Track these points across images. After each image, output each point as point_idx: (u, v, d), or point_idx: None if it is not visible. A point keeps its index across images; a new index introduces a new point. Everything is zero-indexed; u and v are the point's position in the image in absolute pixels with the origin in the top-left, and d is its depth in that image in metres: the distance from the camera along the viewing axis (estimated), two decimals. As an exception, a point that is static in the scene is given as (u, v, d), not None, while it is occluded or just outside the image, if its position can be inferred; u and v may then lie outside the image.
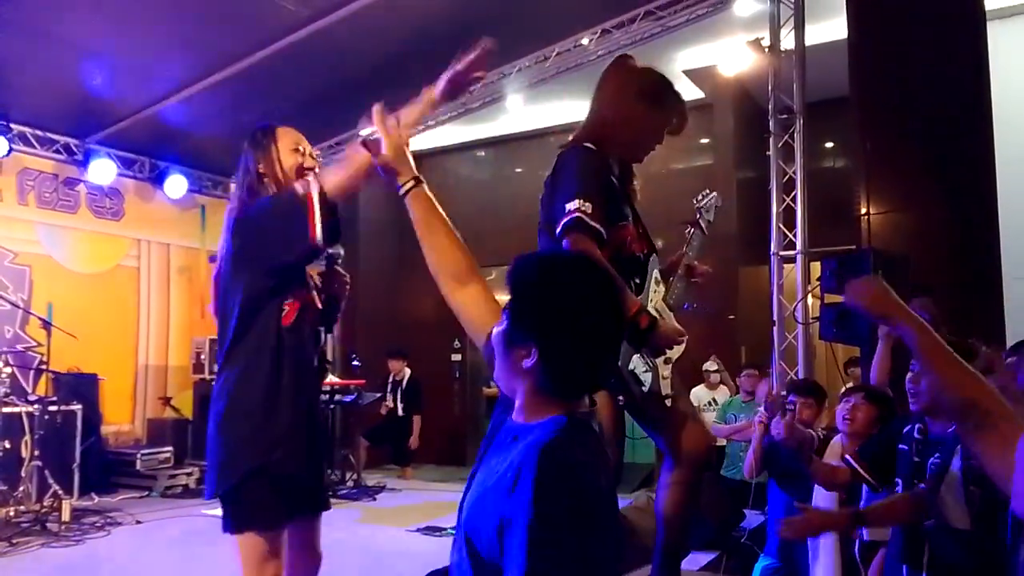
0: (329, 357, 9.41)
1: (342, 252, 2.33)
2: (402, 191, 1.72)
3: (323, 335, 2.35)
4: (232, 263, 2.18)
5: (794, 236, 5.87)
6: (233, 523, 2.13)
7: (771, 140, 5.94)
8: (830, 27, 6.63)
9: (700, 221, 2.75)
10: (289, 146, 2.30)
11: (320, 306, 2.29)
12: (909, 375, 2.43)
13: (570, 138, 2.52)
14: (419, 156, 9.38)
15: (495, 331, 1.31)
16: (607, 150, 2.41)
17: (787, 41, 5.90)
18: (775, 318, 6.07)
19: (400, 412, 8.56)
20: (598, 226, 2.24)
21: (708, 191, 2.86)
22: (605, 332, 1.24)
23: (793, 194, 5.85)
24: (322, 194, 2.04)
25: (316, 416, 2.28)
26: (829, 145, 8.64)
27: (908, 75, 5.55)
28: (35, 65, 6.14)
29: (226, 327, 2.18)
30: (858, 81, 5.82)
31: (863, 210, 5.71)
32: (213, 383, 2.26)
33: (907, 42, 5.56)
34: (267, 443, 2.12)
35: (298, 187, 2.09)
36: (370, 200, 10.54)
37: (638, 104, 2.41)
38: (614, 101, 2.45)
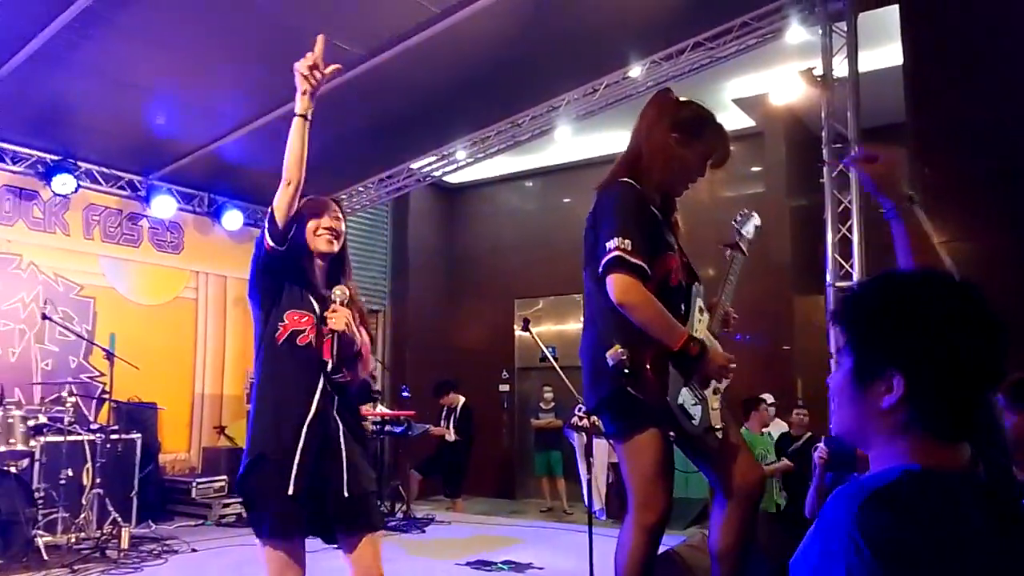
0: (378, 387, 9.50)
1: (348, 292, 2.44)
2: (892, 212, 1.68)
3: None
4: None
5: (851, 266, 5.73)
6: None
7: (825, 169, 5.83)
8: (884, 53, 6.53)
9: (740, 243, 2.72)
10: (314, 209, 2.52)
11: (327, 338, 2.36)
12: None
13: (608, 172, 2.52)
14: (468, 187, 9.51)
15: (832, 377, 1.13)
16: (645, 183, 2.40)
17: (840, 69, 5.81)
18: (832, 350, 5.90)
19: (452, 437, 8.54)
20: (639, 262, 2.23)
21: (746, 210, 2.83)
22: (977, 349, 1.03)
23: (849, 223, 5.72)
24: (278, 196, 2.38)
25: (339, 436, 2.36)
26: (885, 172, 8.45)
27: (966, 99, 5.42)
28: (101, 106, 6.42)
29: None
30: (914, 107, 5.71)
31: (923, 238, 5.54)
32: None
33: (965, 66, 5.44)
34: (245, 459, 2.33)
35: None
36: (420, 233, 10.69)
37: (672, 136, 2.41)
38: (649, 134, 2.45)
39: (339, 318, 2.35)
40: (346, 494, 2.31)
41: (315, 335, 2.36)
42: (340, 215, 2.55)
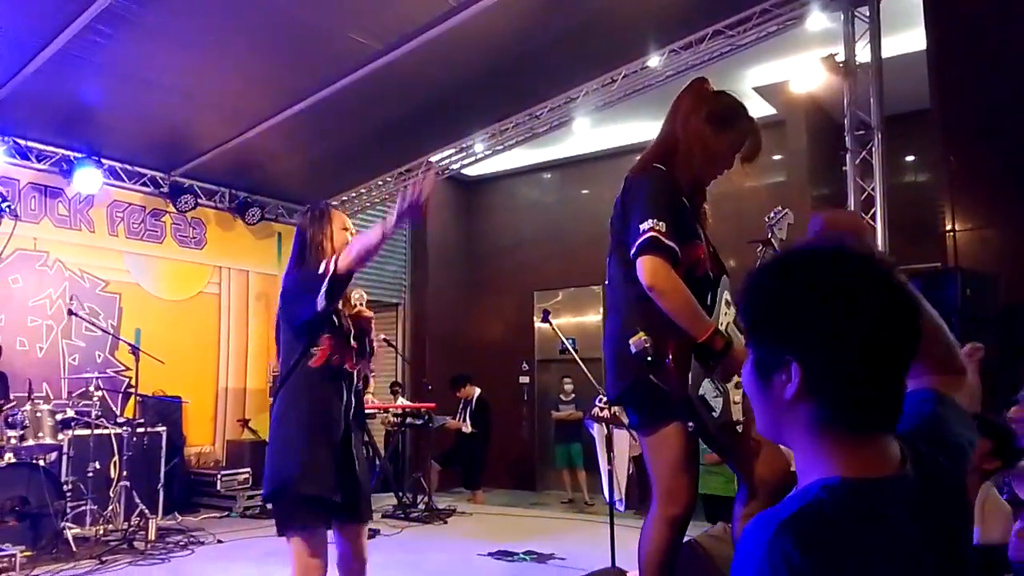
0: (399, 380, 9.55)
1: (365, 296, 2.80)
2: None
3: (362, 369, 2.76)
4: (280, 319, 2.73)
5: (874, 255, 5.67)
6: (277, 527, 2.58)
7: (848, 157, 5.76)
8: (908, 38, 6.43)
9: (772, 240, 2.71)
10: (340, 226, 2.75)
11: (354, 344, 2.69)
12: None
13: (638, 158, 2.52)
14: (486, 180, 9.51)
15: (742, 372, 1.03)
16: (679, 171, 2.40)
17: (862, 55, 5.73)
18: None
19: (469, 429, 8.61)
20: (672, 244, 2.23)
21: (780, 208, 2.82)
22: (875, 323, 0.90)
23: (872, 211, 5.65)
24: (336, 272, 2.51)
25: (352, 440, 2.67)
26: (910, 159, 8.35)
27: (993, 85, 5.33)
28: (123, 104, 6.48)
29: (280, 366, 2.73)
30: (939, 93, 5.62)
31: (948, 227, 5.48)
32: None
33: (991, 50, 5.35)
34: (290, 468, 2.55)
35: (320, 267, 2.56)
36: (439, 226, 10.71)
37: (706, 126, 2.40)
38: (684, 122, 2.44)
39: (367, 313, 2.71)
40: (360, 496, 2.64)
41: (329, 352, 2.62)
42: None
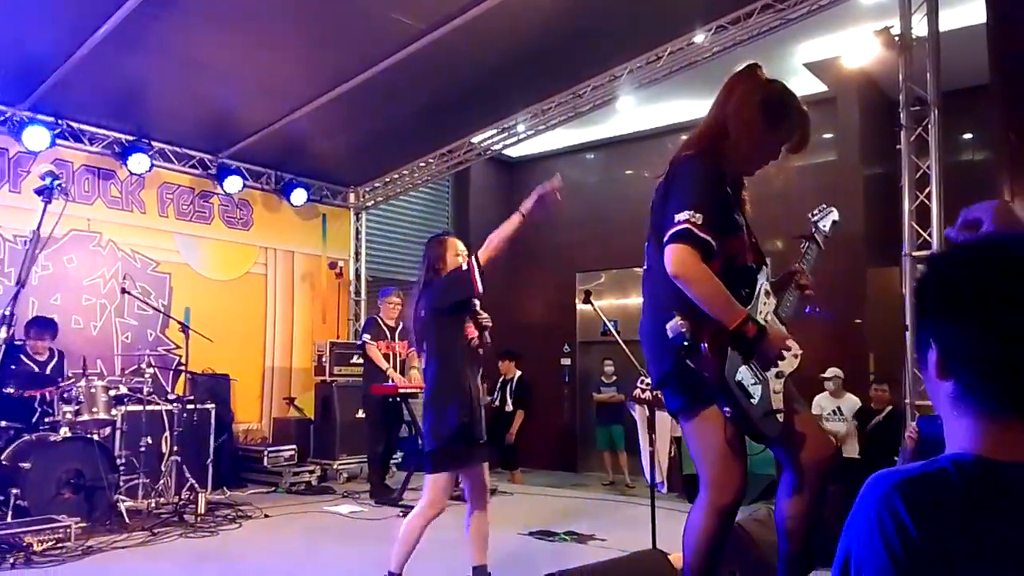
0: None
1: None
2: None
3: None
4: (429, 309, 3.48)
5: (929, 235, 5.49)
6: (430, 467, 3.41)
7: (902, 134, 5.57)
8: (966, 11, 6.18)
9: (816, 236, 2.66)
10: (454, 252, 3.50)
11: (480, 330, 3.53)
12: None
13: (684, 140, 2.46)
14: (529, 160, 9.48)
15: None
16: (727, 160, 2.34)
17: (919, 28, 5.52)
18: (908, 323, 5.67)
19: (508, 408, 8.64)
20: (707, 237, 2.18)
21: (825, 205, 2.78)
22: (1006, 309, 0.91)
23: (927, 190, 5.46)
24: (477, 262, 3.36)
25: (477, 397, 3.47)
26: (967, 137, 8.06)
27: (1058, 58, 5.09)
28: (173, 87, 6.59)
29: (427, 341, 3.50)
30: (999, 68, 5.39)
31: (1008, 206, 5.26)
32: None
33: (1057, 22, 5.10)
34: (444, 416, 3.35)
35: (463, 264, 3.43)
36: (481, 207, 10.70)
37: (759, 117, 2.33)
38: (736, 111, 2.37)
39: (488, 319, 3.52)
40: (482, 440, 3.47)
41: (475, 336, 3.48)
42: None
